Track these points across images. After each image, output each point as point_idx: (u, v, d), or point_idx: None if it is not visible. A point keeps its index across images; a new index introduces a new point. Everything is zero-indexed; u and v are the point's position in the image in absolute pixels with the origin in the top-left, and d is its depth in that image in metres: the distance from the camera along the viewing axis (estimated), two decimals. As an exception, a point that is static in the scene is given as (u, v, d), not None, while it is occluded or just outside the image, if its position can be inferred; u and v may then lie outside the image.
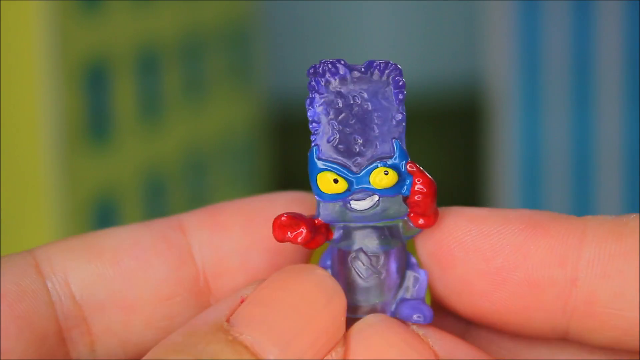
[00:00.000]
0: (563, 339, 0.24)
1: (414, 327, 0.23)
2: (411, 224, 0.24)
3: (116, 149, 0.72)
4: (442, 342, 0.23)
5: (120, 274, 0.25)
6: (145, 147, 0.76)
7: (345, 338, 0.23)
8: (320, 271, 0.23)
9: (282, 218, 0.24)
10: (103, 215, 0.70)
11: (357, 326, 0.23)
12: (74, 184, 0.66)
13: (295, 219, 0.24)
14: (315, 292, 0.23)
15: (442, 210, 0.24)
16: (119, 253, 0.25)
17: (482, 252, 0.24)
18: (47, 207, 0.65)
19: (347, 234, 0.24)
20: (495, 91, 0.87)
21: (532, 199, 0.86)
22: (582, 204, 0.85)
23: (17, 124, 0.64)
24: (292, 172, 0.91)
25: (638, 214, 0.23)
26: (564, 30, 0.83)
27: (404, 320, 0.24)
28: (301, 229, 0.24)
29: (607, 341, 0.23)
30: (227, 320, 0.22)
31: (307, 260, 0.26)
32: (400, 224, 0.24)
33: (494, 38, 0.86)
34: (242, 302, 0.23)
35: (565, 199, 0.85)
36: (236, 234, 0.26)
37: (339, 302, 0.23)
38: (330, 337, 0.23)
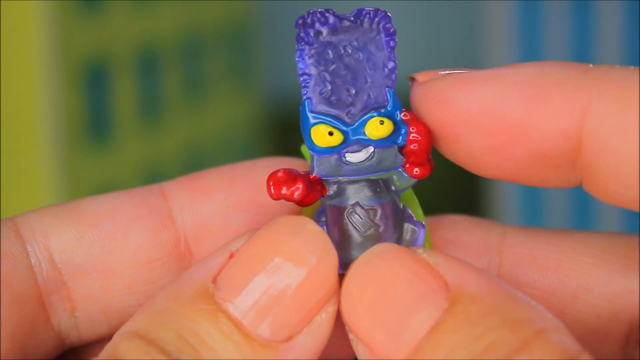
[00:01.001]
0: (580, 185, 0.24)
1: (425, 255, 0.22)
2: (405, 174, 0.24)
3: (116, 149, 0.72)
4: (454, 270, 0.22)
5: (100, 237, 0.25)
6: (145, 147, 0.76)
7: (345, 275, 0.22)
8: (311, 226, 0.22)
9: (278, 174, 0.23)
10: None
11: (364, 256, 0.22)
12: (74, 184, 0.66)
13: (292, 174, 0.23)
14: (305, 251, 0.22)
15: (443, 76, 0.23)
16: (98, 217, 0.25)
17: (484, 129, 0.23)
18: (47, 207, 0.65)
19: (341, 190, 0.24)
20: (495, 91, 0.86)
21: (532, 198, 0.86)
22: (582, 204, 0.85)
23: (17, 124, 0.64)
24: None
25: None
26: (564, 30, 0.83)
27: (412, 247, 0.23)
28: (298, 185, 0.23)
29: (620, 192, 0.22)
30: (214, 281, 0.22)
31: None
32: (394, 177, 0.24)
33: (494, 38, 0.86)
34: (231, 256, 0.22)
35: (565, 199, 0.85)
36: (217, 197, 0.25)
37: (330, 260, 0.22)
38: (321, 298, 0.22)
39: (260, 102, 0.97)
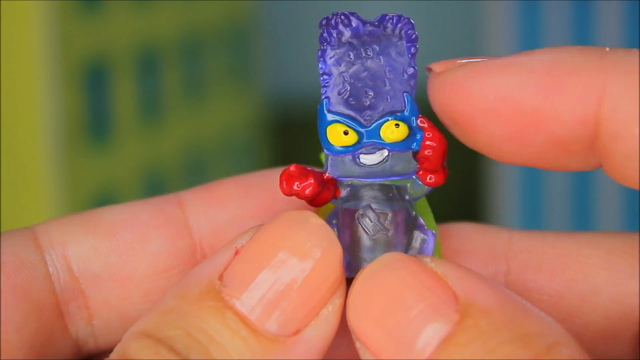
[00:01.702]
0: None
1: (432, 264, 0.22)
2: (419, 182, 0.24)
3: (116, 149, 0.72)
4: (462, 282, 0.22)
5: (117, 246, 0.25)
6: (145, 147, 0.76)
7: (353, 283, 0.22)
8: (314, 220, 0.22)
9: (291, 169, 0.23)
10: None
11: (372, 265, 0.22)
12: (74, 184, 0.66)
13: (304, 170, 0.23)
14: (309, 244, 0.22)
15: (460, 66, 0.24)
16: (116, 226, 0.25)
17: (501, 118, 0.23)
18: (47, 207, 0.65)
19: (355, 193, 0.24)
20: (495, 91, 0.86)
21: (533, 199, 0.86)
22: (582, 205, 0.85)
23: (17, 124, 0.64)
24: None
25: None
26: (564, 30, 0.83)
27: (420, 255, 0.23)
28: (310, 180, 0.23)
29: (637, 176, 0.22)
30: (220, 278, 0.22)
31: None
32: (408, 185, 0.24)
33: (494, 38, 0.86)
34: (236, 253, 0.22)
35: (566, 200, 0.85)
36: (232, 205, 0.25)
37: (334, 252, 0.22)
38: (327, 291, 0.22)
39: (260, 102, 0.97)
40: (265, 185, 0.25)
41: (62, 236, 0.25)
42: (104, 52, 0.70)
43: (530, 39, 0.84)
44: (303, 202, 0.24)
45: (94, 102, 0.69)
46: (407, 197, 0.24)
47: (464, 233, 0.27)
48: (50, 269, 0.25)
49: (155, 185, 0.78)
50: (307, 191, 0.23)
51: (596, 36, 0.83)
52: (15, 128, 0.64)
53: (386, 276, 0.22)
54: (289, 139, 1.00)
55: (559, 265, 0.26)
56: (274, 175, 0.25)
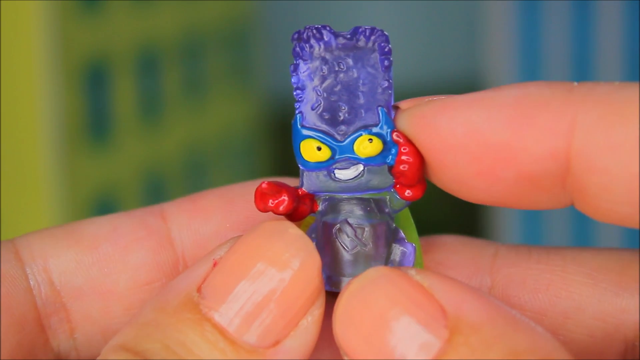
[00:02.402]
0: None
1: (419, 277, 0.22)
2: (398, 196, 0.24)
3: (116, 149, 0.72)
4: (449, 294, 0.21)
5: (99, 259, 0.25)
6: (145, 147, 0.76)
7: (339, 299, 0.22)
8: (293, 230, 0.22)
9: (263, 185, 0.23)
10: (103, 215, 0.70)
11: (359, 281, 0.22)
12: (74, 184, 0.66)
13: (277, 186, 0.23)
14: (287, 254, 0.22)
15: (428, 101, 0.23)
16: (97, 239, 0.25)
17: (470, 154, 0.22)
18: (47, 207, 0.65)
19: (333, 207, 0.24)
20: (495, 91, 0.86)
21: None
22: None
23: (17, 124, 0.64)
24: (292, 172, 0.91)
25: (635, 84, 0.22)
26: (564, 30, 0.83)
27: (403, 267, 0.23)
28: (283, 197, 0.23)
29: (613, 209, 0.22)
30: (199, 290, 0.22)
31: None
32: (388, 197, 0.24)
33: (494, 38, 0.86)
34: (214, 265, 0.22)
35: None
36: (215, 218, 0.25)
37: (312, 263, 0.22)
38: (305, 301, 0.22)
39: (260, 102, 0.97)
40: (249, 197, 0.25)
41: (43, 249, 0.25)
42: (104, 52, 0.70)
43: (530, 39, 0.84)
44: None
45: (94, 102, 0.69)
46: (386, 210, 0.24)
47: (449, 245, 0.27)
48: (31, 282, 0.25)
49: (155, 185, 0.78)
50: (280, 208, 0.23)
51: (596, 36, 0.83)
52: (15, 128, 0.64)
53: (372, 293, 0.22)
54: (289, 139, 1.00)
55: (542, 282, 0.26)
56: (256, 186, 0.25)
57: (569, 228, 0.83)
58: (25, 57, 0.63)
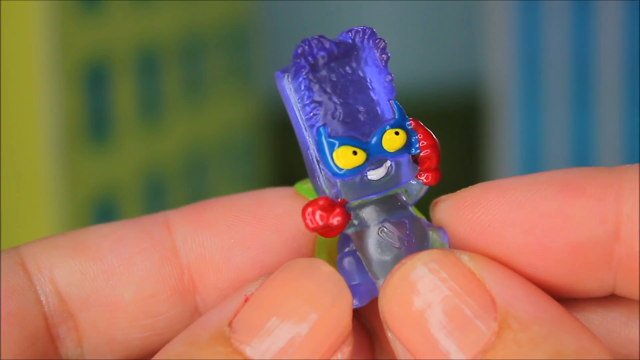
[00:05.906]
0: (612, 294, 0.23)
1: (471, 264, 0.22)
2: (414, 183, 0.24)
3: (116, 149, 0.72)
4: (502, 287, 0.21)
5: (104, 271, 0.25)
6: (145, 147, 0.76)
7: (389, 276, 0.22)
8: (325, 268, 0.22)
9: (320, 202, 0.23)
10: (103, 215, 0.70)
11: (411, 263, 0.22)
12: (74, 184, 0.66)
13: (332, 201, 0.23)
14: (320, 292, 0.22)
15: (468, 187, 0.24)
16: (102, 250, 0.25)
17: (519, 225, 0.23)
18: (47, 207, 0.65)
19: (363, 212, 0.24)
20: (496, 91, 0.86)
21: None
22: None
23: (17, 124, 0.64)
24: (292, 172, 0.91)
25: None
26: (563, 30, 0.83)
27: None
28: (337, 210, 0.23)
29: None
30: (230, 324, 0.22)
31: (300, 255, 0.25)
32: (403, 191, 0.24)
33: (494, 38, 0.86)
34: (246, 300, 0.22)
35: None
36: (221, 230, 0.25)
37: (344, 301, 0.22)
38: (337, 338, 0.22)
39: (260, 102, 0.97)
40: (255, 210, 0.25)
41: (48, 259, 0.25)
42: (104, 52, 0.70)
43: (530, 39, 0.84)
44: (297, 237, 0.24)
45: (94, 102, 0.69)
46: (406, 202, 0.24)
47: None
48: (39, 293, 0.25)
49: (155, 185, 0.78)
50: (335, 221, 0.23)
51: (596, 36, 0.83)
52: (15, 128, 0.64)
53: (424, 277, 0.22)
54: (289, 139, 1.00)
55: None
56: (264, 198, 0.25)
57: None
58: (25, 57, 0.63)
